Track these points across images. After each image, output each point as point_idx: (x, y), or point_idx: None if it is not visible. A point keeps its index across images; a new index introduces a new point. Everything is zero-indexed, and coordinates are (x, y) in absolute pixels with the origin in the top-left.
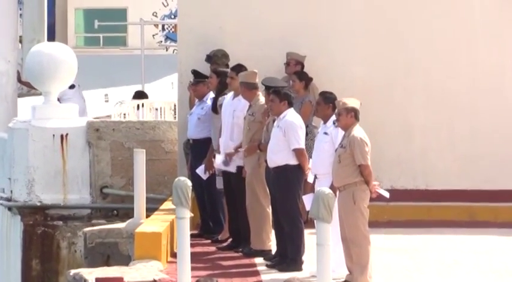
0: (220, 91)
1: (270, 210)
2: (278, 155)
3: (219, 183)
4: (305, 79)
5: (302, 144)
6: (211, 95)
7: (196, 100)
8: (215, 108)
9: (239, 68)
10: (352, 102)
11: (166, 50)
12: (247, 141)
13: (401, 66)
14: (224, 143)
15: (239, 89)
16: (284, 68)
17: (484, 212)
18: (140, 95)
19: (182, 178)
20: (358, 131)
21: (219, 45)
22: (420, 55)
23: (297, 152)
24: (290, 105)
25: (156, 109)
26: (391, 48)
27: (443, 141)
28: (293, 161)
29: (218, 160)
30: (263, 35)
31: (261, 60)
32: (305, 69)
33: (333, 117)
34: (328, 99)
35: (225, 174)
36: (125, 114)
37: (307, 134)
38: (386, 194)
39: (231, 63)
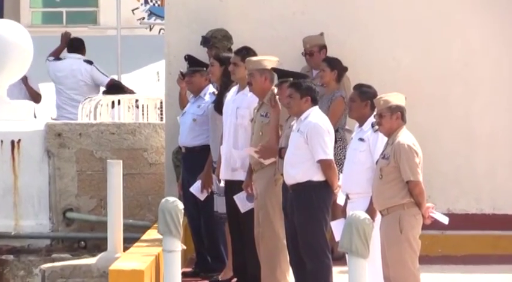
0: (227, 84)
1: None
2: (298, 169)
3: (220, 206)
4: (338, 68)
5: (330, 154)
6: (211, 89)
7: (191, 96)
8: (219, 106)
9: (246, 51)
10: (396, 99)
11: (150, 30)
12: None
13: (461, 52)
14: (226, 152)
15: (245, 80)
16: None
17: None
18: (116, 88)
19: (171, 199)
20: (405, 136)
21: (220, 23)
22: (487, 40)
23: (324, 165)
24: (314, 102)
25: (137, 107)
26: (447, 28)
27: None
28: (318, 177)
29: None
30: (276, 10)
31: (274, 44)
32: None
33: (372, 119)
34: (365, 94)
35: (229, 193)
36: (95, 114)
37: (336, 140)
38: (445, 220)
39: (235, 47)
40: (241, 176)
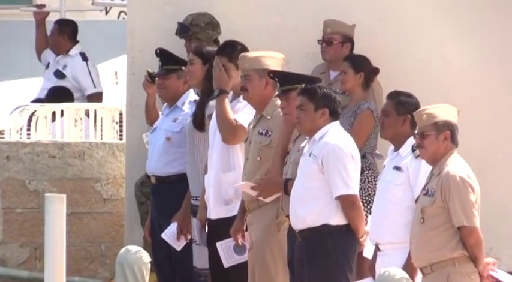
0: (212, 90)
1: None
2: (310, 208)
3: (200, 259)
4: (365, 70)
5: (354, 188)
6: (192, 96)
7: (164, 106)
8: (200, 120)
9: (231, 48)
10: (445, 113)
11: (106, 13)
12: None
13: None
14: (214, 180)
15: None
16: (319, 50)
17: None
18: (58, 93)
19: (133, 248)
20: (457, 164)
21: (203, 6)
22: None
23: (345, 202)
24: (334, 116)
25: (88, 118)
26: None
27: None
28: (337, 219)
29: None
30: None
31: (277, 35)
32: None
33: (412, 140)
34: (403, 106)
35: (212, 242)
36: (29, 130)
37: (363, 169)
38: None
39: (223, 38)
40: (238, 208)
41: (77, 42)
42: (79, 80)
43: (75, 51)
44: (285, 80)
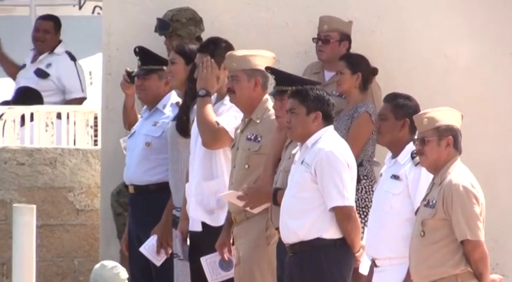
0: (194, 91)
1: None
2: (302, 221)
3: (182, 275)
4: (362, 70)
5: (350, 199)
6: (174, 98)
7: (143, 108)
8: (184, 125)
9: (214, 46)
10: (447, 116)
11: (80, 8)
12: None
13: None
14: (195, 189)
15: (224, 86)
16: (312, 48)
17: None
18: (26, 94)
19: (109, 264)
20: (460, 173)
21: (185, 0)
22: None
23: (341, 214)
24: (327, 120)
25: (60, 122)
26: None
27: None
28: (331, 233)
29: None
30: None
31: (267, 32)
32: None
33: (411, 146)
34: (401, 109)
35: (194, 256)
36: None
37: (360, 178)
38: None
39: (207, 35)
40: (221, 219)
41: (60, 40)
42: (64, 81)
43: (60, 49)
44: (282, 79)
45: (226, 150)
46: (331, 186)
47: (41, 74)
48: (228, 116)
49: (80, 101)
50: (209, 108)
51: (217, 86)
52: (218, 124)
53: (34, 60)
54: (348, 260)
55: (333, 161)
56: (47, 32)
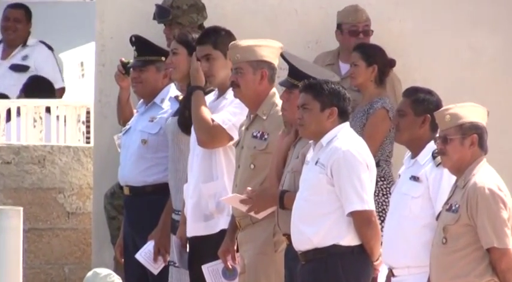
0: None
1: None
2: (317, 226)
3: None
4: (378, 62)
5: (370, 203)
6: (173, 91)
7: (140, 102)
8: (186, 121)
9: (215, 35)
10: (472, 113)
11: None
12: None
13: None
14: (193, 191)
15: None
16: (323, 38)
17: None
18: (37, 85)
19: (103, 271)
20: (485, 175)
21: None
22: None
23: (360, 219)
24: (343, 117)
25: (50, 117)
26: None
27: None
28: (349, 239)
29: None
30: None
31: (273, 20)
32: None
33: (433, 145)
34: (422, 104)
35: (194, 264)
36: None
37: (377, 180)
38: None
39: (210, 23)
40: (220, 224)
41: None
42: (45, 72)
43: (33, 40)
44: (295, 73)
45: (227, 149)
46: (349, 189)
47: (19, 68)
48: (226, 112)
49: (62, 92)
50: (202, 104)
51: (218, 79)
52: (213, 121)
53: (5, 56)
54: (366, 269)
55: (351, 161)
56: (18, 21)
